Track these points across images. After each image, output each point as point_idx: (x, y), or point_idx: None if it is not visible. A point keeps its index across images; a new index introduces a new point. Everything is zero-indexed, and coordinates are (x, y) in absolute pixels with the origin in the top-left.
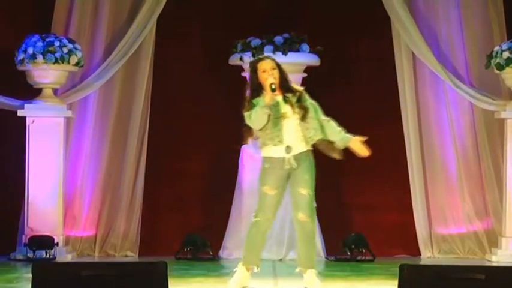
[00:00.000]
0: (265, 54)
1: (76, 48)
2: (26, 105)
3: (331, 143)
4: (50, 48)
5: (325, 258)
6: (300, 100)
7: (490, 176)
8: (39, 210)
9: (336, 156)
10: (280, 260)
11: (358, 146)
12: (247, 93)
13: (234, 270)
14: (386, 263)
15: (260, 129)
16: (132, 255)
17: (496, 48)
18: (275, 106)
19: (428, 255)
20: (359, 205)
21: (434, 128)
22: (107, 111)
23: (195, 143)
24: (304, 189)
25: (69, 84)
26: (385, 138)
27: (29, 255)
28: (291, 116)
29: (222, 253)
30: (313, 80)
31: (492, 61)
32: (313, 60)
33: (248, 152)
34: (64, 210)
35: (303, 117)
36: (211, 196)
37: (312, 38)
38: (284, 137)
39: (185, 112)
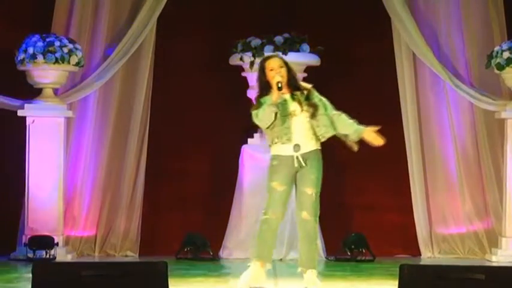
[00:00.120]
0: (270, 53)
1: (76, 48)
2: (26, 105)
3: (345, 136)
4: (50, 48)
5: (325, 258)
6: (308, 98)
7: (490, 176)
8: (39, 210)
9: (354, 147)
10: (281, 260)
11: (372, 136)
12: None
13: (248, 265)
14: (387, 263)
15: (267, 128)
16: (132, 255)
17: (496, 48)
18: (283, 104)
19: (429, 255)
20: (359, 205)
21: (435, 128)
22: (107, 111)
23: (195, 142)
24: (310, 189)
25: (69, 84)
26: (385, 138)
27: (29, 255)
28: (299, 114)
29: (222, 253)
30: (313, 80)
31: (492, 61)
32: (314, 60)
33: (248, 152)
34: (64, 210)
35: (313, 115)
36: (211, 196)
37: (312, 38)
38: (292, 135)
39: (185, 112)
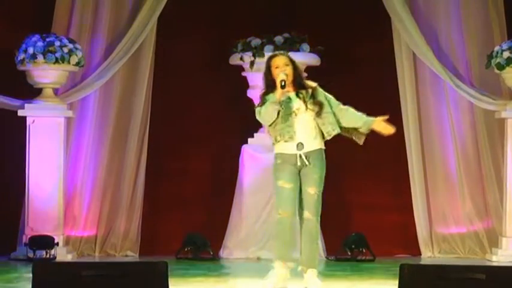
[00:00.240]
0: (277, 51)
1: (76, 48)
2: (26, 105)
3: (355, 129)
4: (51, 48)
5: (326, 258)
6: (313, 96)
7: (490, 175)
8: (39, 210)
9: (361, 140)
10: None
11: (382, 125)
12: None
13: (272, 265)
14: (387, 262)
15: (270, 125)
16: (132, 255)
17: (497, 48)
18: (287, 102)
19: (429, 255)
20: (359, 205)
21: (435, 128)
22: (107, 111)
23: (195, 142)
24: (312, 189)
25: (69, 84)
26: (386, 138)
27: (29, 255)
28: (303, 113)
29: (223, 253)
30: (313, 79)
31: (492, 61)
32: (314, 59)
33: (248, 152)
34: (64, 210)
35: (318, 114)
36: (211, 196)
37: (312, 37)
38: (296, 134)
39: (185, 111)
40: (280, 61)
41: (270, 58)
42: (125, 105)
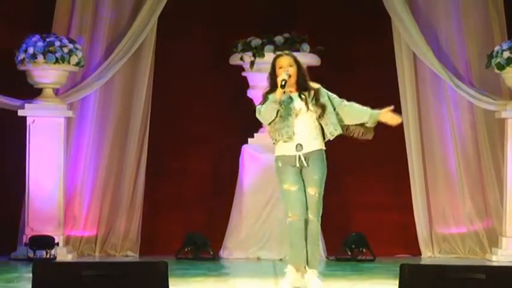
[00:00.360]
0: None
1: (76, 48)
2: (26, 105)
3: (361, 125)
4: (51, 48)
5: (326, 258)
6: (316, 98)
7: (490, 175)
8: (39, 210)
9: (370, 135)
10: (281, 259)
11: (389, 116)
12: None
13: (285, 271)
14: (387, 262)
15: (269, 124)
16: (132, 255)
17: (497, 48)
18: (288, 102)
19: (429, 255)
20: (359, 205)
21: (435, 128)
22: (107, 111)
23: (195, 142)
24: (313, 189)
25: (69, 84)
26: (386, 138)
27: (29, 255)
28: (304, 114)
29: (223, 253)
30: (313, 79)
31: (493, 61)
32: (314, 60)
33: (248, 152)
34: (64, 210)
35: (321, 116)
36: (211, 196)
37: (312, 38)
38: (295, 134)
39: (186, 111)
40: (284, 61)
41: (275, 58)
42: (125, 105)
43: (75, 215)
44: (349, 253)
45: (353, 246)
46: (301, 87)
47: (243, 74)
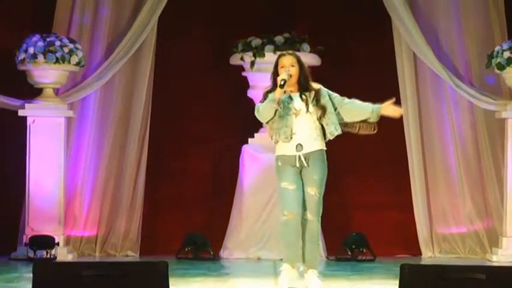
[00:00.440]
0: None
1: (77, 48)
2: (26, 105)
3: (364, 121)
4: (51, 48)
5: (326, 258)
6: (317, 99)
7: (490, 175)
8: (40, 210)
9: (374, 130)
10: (281, 259)
11: (390, 109)
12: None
13: (280, 269)
14: (387, 262)
15: (267, 123)
16: (133, 255)
17: (497, 48)
18: (288, 102)
19: (429, 255)
20: (360, 205)
21: (435, 128)
22: (107, 110)
23: (195, 142)
24: (313, 189)
25: (70, 84)
26: (386, 137)
27: (29, 255)
28: (304, 114)
29: (223, 253)
30: (314, 79)
31: (493, 61)
32: (314, 59)
33: (249, 152)
34: (65, 209)
35: (321, 116)
36: (211, 196)
37: (312, 37)
38: (295, 134)
39: (186, 111)
40: (286, 61)
41: (278, 57)
42: (125, 105)
43: (75, 214)
44: (349, 253)
45: (353, 246)
46: (303, 88)
47: (243, 74)
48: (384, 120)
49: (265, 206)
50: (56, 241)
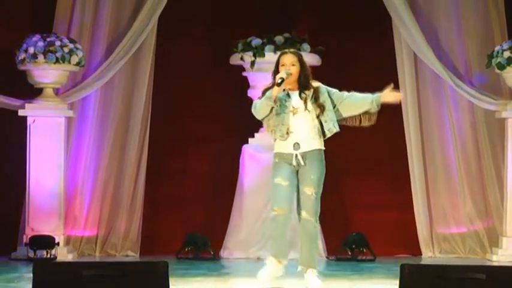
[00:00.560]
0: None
1: (77, 48)
2: (26, 105)
3: (365, 112)
4: (51, 48)
5: (326, 258)
6: (315, 97)
7: (490, 175)
8: (40, 210)
9: (372, 120)
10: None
11: (390, 96)
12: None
13: (265, 262)
14: (387, 262)
15: (262, 120)
16: (133, 255)
17: (497, 48)
18: (286, 100)
19: (429, 255)
20: (360, 205)
21: (435, 128)
22: (108, 110)
23: (196, 142)
24: (310, 189)
25: (70, 84)
26: (386, 137)
27: (29, 255)
28: (302, 112)
29: (223, 253)
30: (314, 79)
31: (493, 60)
32: (314, 59)
33: (249, 152)
34: (65, 210)
35: (320, 114)
36: (212, 196)
37: (312, 37)
38: (292, 133)
39: (186, 111)
40: (287, 59)
41: (280, 55)
42: (125, 105)
43: (75, 214)
44: (349, 253)
45: (353, 246)
46: (303, 86)
47: (244, 73)
48: (384, 119)
49: (265, 206)
50: (56, 241)
